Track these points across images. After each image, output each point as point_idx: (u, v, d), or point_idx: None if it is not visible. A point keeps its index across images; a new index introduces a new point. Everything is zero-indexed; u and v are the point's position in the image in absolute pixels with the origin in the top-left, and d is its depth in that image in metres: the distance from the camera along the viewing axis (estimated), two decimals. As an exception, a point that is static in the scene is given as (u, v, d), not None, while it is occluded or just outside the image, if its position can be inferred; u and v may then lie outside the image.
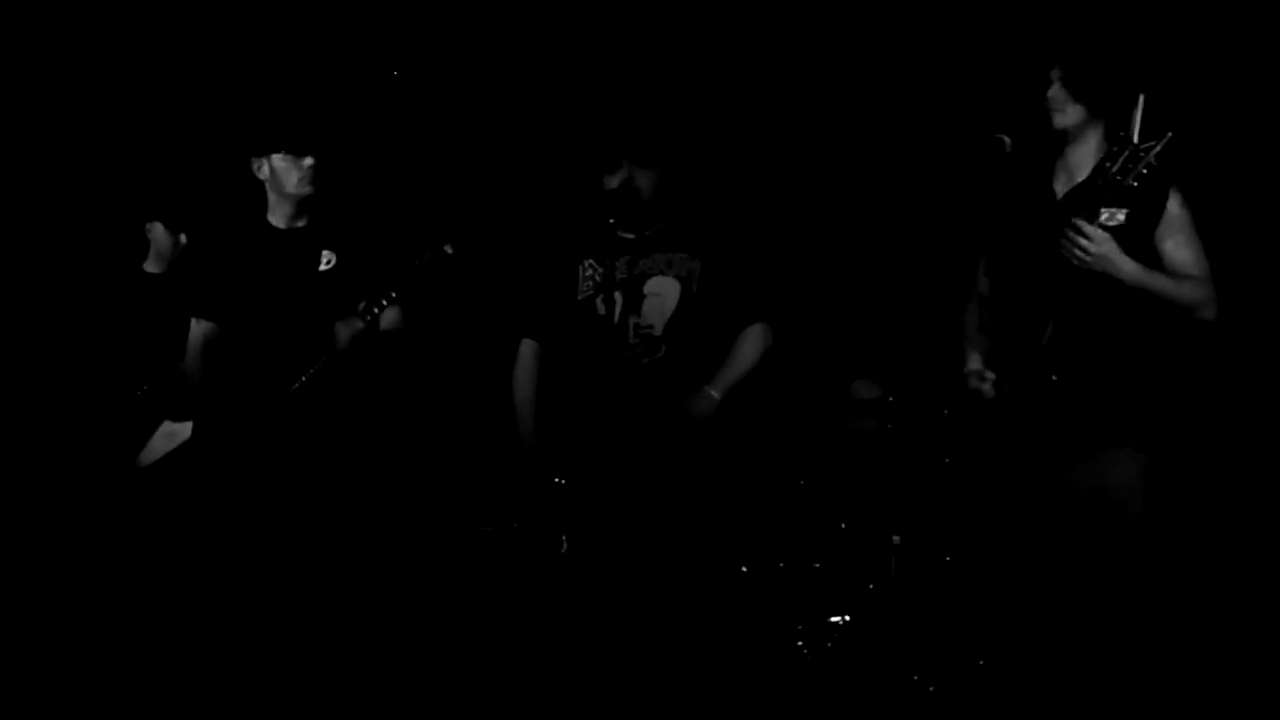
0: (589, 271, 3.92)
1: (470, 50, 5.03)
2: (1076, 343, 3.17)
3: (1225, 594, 4.09)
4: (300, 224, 3.95)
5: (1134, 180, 3.00)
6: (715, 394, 3.78)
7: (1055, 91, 3.26)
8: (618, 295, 3.79)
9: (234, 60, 5.02)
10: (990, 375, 3.29)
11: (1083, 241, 3.06)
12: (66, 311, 4.81)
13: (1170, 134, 2.98)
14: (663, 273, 3.84)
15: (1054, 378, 3.17)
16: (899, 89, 4.66)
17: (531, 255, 4.15)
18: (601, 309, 3.84)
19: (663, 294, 3.82)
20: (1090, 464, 3.21)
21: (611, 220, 3.82)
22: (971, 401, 3.33)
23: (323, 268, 3.90)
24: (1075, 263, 3.08)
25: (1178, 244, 3.19)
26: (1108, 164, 3.04)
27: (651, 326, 3.80)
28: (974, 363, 3.45)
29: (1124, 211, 3.14)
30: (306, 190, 3.88)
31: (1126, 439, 3.23)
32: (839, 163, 4.85)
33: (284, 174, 3.87)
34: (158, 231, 4.80)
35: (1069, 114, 3.27)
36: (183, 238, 4.81)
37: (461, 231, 3.89)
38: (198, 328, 3.98)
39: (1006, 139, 3.35)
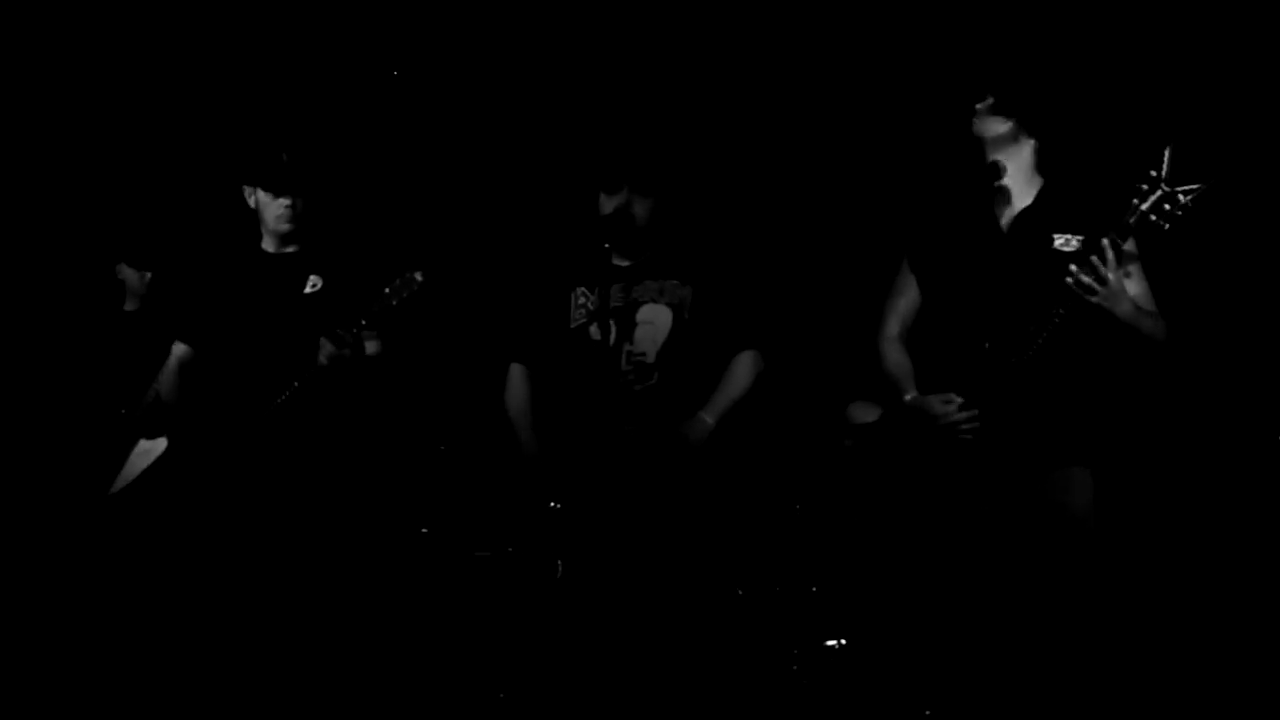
0: (581, 300, 3.92)
1: (468, 75, 5.03)
2: (1031, 369, 3.20)
3: (1175, 604, 4.10)
4: (290, 249, 4.00)
5: (1167, 222, 3.01)
6: (710, 419, 3.79)
7: (981, 105, 3.27)
8: (612, 323, 3.80)
9: (220, 92, 5.07)
10: (957, 399, 3.29)
11: (1100, 274, 3.05)
12: (53, 357, 4.96)
13: (1211, 181, 3.00)
14: (654, 300, 3.84)
15: (987, 345, 3.22)
16: (889, 113, 4.64)
17: (522, 281, 4.15)
18: (595, 336, 3.84)
19: (655, 321, 3.82)
20: (1049, 482, 3.26)
21: (607, 245, 3.82)
22: (936, 431, 3.34)
23: (307, 290, 3.96)
24: (1081, 295, 3.07)
25: (1135, 280, 3.21)
26: (1135, 201, 3.03)
27: (644, 354, 3.80)
28: (913, 390, 3.45)
29: (1078, 239, 3.18)
30: (285, 227, 3.95)
31: (1083, 459, 3.28)
32: (828, 183, 4.83)
33: (265, 208, 3.96)
34: (126, 272, 5.00)
35: (990, 125, 3.28)
36: (148, 274, 4.98)
37: (440, 260, 3.90)
38: (175, 349, 4.08)
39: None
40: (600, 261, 3.83)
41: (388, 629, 4.22)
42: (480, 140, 5.09)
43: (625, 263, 3.89)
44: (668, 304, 3.84)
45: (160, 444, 4.15)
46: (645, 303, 3.84)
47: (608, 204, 3.84)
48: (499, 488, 4.36)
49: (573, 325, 3.92)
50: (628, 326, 3.81)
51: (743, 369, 3.85)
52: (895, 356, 3.54)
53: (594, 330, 3.85)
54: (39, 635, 4.26)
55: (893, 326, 3.58)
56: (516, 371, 4.03)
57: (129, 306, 5.02)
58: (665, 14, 4.79)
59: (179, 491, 3.97)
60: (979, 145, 3.31)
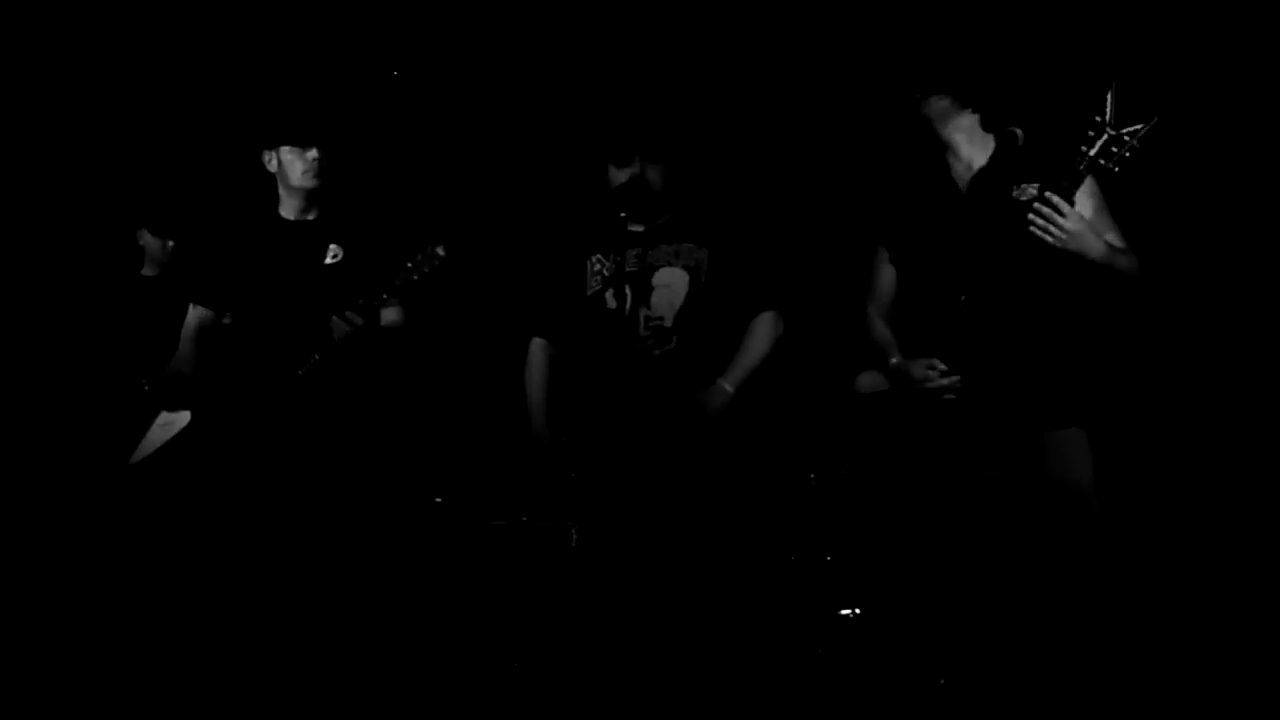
0: (597, 266, 3.93)
1: (478, 46, 5.04)
2: (1011, 324, 3.24)
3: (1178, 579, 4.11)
4: (309, 217, 3.99)
5: (1115, 165, 3.05)
6: (729, 388, 3.79)
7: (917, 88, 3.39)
8: (628, 288, 3.80)
9: (239, 54, 5.06)
10: (939, 365, 3.34)
11: (1059, 220, 3.09)
12: (70, 318, 4.99)
13: (1155, 119, 3.02)
14: (670, 264, 3.85)
15: (962, 298, 3.26)
16: (905, 78, 4.65)
17: (539, 252, 4.15)
18: (611, 303, 3.84)
19: (671, 285, 3.83)
20: (1046, 446, 3.30)
21: (623, 214, 3.82)
22: (921, 395, 3.39)
23: (328, 261, 3.94)
24: (1050, 241, 3.10)
25: (1101, 220, 3.25)
26: (1083, 148, 3.07)
27: (661, 318, 3.81)
28: (897, 356, 3.53)
29: (1034, 186, 3.22)
30: (311, 183, 3.91)
31: (1078, 419, 3.32)
32: (844, 148, 4.83)
33: (290, 166, 3.91)
34: (147, 238, 5.05)
35: (930, 104, 3.38)
36: (169, 243, 5.03)
37: (457, 231, 3.90)
38: (193, 314, 4.06)
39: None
40: (616, 228, 3.84)
41: (403, 598, 4.22)
42: (494, 112, 5.11)
43: (640, 228, 3.89)
44: (684, 267, 3.84)
45: (182, 417, 4.15)
46: (661, 267, 3.84)
47: (619, 175, 3.84)
48: (513, 457, 4.36)
49: (589, 292, 3.92)
50: (644, 291, 3.82)
51: (762, 332, 3.85)
52: (878, 330, 3.66)
53: (609, 297, 3.86)
54: (56, 608, 4.26)
55: (873, 306, 3.70)
56: (537, 347, 4.04)
57: (148, 272, 5.04)
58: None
59: (199, 463, 3.96)
60: (929, 125, 3.41)
